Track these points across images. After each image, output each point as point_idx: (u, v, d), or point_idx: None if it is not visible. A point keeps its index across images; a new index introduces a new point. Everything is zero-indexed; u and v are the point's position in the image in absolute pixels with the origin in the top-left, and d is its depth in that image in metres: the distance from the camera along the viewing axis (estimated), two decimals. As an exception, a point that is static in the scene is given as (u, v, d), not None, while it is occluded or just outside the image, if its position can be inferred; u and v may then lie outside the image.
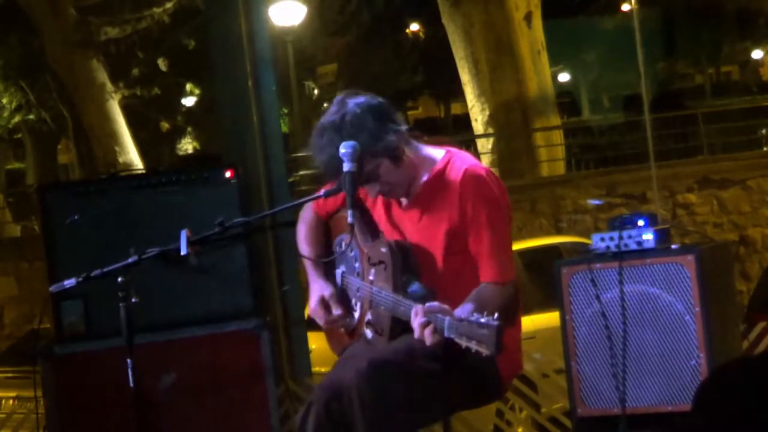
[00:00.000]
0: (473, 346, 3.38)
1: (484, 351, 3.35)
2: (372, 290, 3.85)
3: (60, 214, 4.95)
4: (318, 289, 4.03)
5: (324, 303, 4.00)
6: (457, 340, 3.43)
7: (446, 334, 3.47)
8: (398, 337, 3.75)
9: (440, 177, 3.83)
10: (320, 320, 4.04)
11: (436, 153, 3.90)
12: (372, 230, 3.94)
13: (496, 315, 3.38)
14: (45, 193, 5.03)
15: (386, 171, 3.77)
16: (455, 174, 3.81)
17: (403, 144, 3.80)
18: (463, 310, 3.50)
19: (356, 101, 3.78)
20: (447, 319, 3.48)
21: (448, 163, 3.85)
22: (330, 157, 3.73)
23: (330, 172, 3.78)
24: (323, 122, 3.79)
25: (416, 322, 3.55)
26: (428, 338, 3.52)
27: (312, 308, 4.04)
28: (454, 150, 3.92)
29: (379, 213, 3.97)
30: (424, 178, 3.85)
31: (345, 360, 3.88)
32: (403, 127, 3.81)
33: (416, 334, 3.55)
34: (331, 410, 3.68)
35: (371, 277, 3.86)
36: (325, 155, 3.75)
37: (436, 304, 3.56)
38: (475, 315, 3.41)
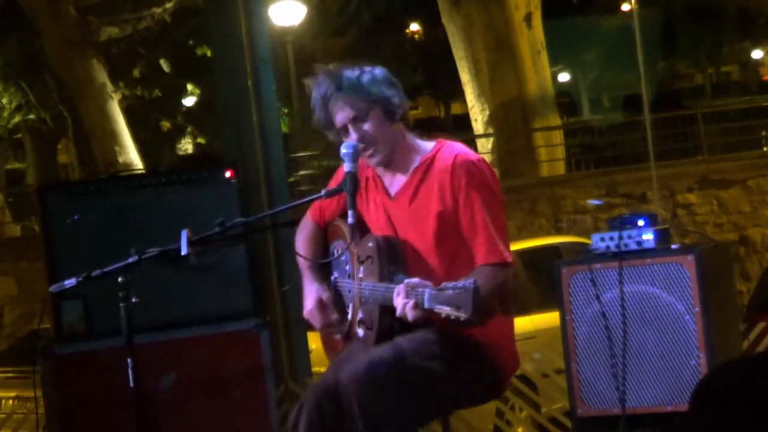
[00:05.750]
0: (452, 312, 3.37)
1: (462, 315, 3.34)
2: (361, 286, 3.85)
3: (60, 214, 4.95)
4: (315, 291, 4.02)
5: (321, 305, 3.99)
6: (437, 309, 3.43)
7: (426, 305, 3.46)
8: (387, 328, 3.73)
9: (430, 162, 3.84)
10: (317, 323, 4.03)
11: (428, 143, 3.92)
12: (362, 230, 3.94)
13: (474, 279, 3.36)
14: (45, 193, 5.03)
15: (376, 120, 3.79)
16: (445, 160, 3.81)
17: (401, 112, 3.84)
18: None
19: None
20: (427, 290, 3.47)
21: (438, 150, 3.86)
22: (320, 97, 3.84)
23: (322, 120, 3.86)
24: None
25: (398, 300, 3.56)
26: (409, 313, 3.52)
27: (308, 310, 4.02)
28: (446, 141, 3.93)
29: (372, 204, 3.95)
30: (415, 163, 3.85)
31: (339, 362, 3.87)
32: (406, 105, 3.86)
33: (398, 312, 3.56)
34: (323, 410, 3.67)
35: (360, 275, 3.86)
36: (318, 96, 3.85)
37: (416, 279, 3.55)
38: (454, 282, 3.40)
